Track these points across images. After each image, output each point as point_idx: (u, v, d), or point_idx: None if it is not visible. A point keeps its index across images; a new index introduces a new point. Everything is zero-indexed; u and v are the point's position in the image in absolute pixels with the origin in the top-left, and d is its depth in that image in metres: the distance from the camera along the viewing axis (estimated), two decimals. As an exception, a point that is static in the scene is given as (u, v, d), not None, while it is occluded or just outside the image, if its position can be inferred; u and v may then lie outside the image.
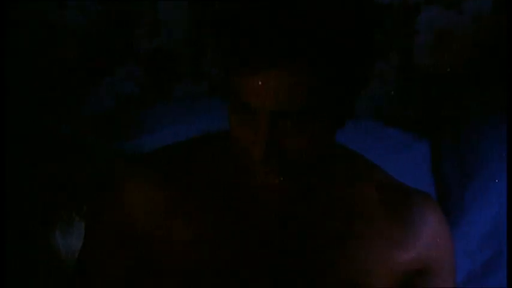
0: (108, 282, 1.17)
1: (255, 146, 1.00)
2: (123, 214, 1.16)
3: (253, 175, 1.08)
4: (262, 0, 0.95)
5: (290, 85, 0.95)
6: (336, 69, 0.96)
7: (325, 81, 0.96)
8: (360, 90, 1.01)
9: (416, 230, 1.11)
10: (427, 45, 1.86)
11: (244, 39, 0.95)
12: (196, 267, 1.12)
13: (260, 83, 0.96)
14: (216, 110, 1.54)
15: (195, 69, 1.81)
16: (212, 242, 1.13)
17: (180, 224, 1.13)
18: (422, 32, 1.86)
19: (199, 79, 1.81)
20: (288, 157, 1.01)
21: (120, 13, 1.81)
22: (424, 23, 1.86)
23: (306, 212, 1.12)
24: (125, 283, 1.18)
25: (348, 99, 1.01)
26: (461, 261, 1.44)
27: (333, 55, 0.95)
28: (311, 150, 1.02)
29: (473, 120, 1.63)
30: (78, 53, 1.81)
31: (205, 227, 1.13)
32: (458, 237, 1.45)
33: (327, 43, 0.94)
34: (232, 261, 1.12)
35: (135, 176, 1.16)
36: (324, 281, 1.09)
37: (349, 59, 0.96)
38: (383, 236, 1.09)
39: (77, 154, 1.72)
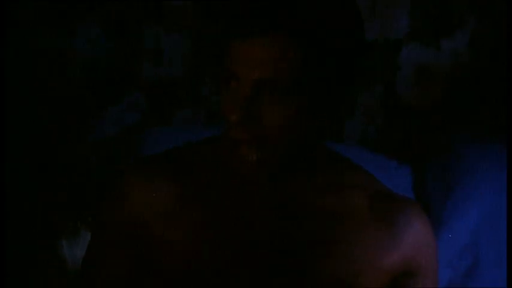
0: (110, 281, 1.17)
1: (233, 110, 1.01)
2: (125, 214, 1.16)
3: (245, 172, 1.07)
4: None
5: (272, 54, 0.97)
6: (316, 46, 0.98)
7: (306, 56, 0.98)
8: (343, 86, 1.02)
9: (402, 234, 1.13)
10: (408, 79, 1.93)
11: (235, 10, 0.99)
12: (196, 267, 1.13)
13: (246, 51, 0.98)
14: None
15: (195, 97, 1.86)
16: (211, 242, 1.13)
17: (181, 224, 1.14)
18: (404, 66, 1.93)
19: (198, 107, 1.86)
20: (266, 130, 1.02)
21: (125, 45, 1.87)
22: (405, 58, 1.93)
23: (299, 214, 1.13)
24: (127, 283, 1.17)
25: (328, 88, 1.02)
26: (442, 271, 1.51)
27: (314, 31, 0.97)
28: (290, 130, 1.02)
29: (453, 142, 1.71)
30: (86, 82, 1.86)
31: (204, 228, 1.13)
32: (439, 247, 1.54)
33: (309, 19, 0.97)
34: (230, 261, 1.13)
35: (136, 177, 1.16)
36: (316, 280, 1.11)
37: (330, 38, 0.98)
38: (371, 239, 1.12)
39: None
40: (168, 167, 1.17)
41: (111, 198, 1.18)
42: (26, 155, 1.81)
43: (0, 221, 1.39)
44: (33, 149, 1.82)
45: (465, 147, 1.70)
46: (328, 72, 1.00)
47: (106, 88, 1.87)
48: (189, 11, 1.83)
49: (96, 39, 1.85)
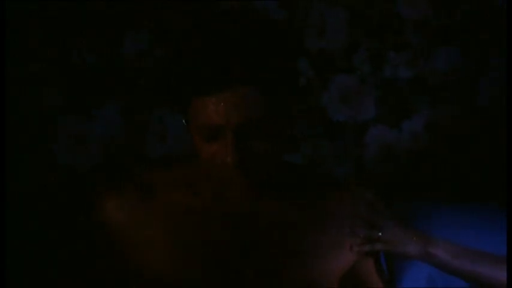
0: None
1: (227, 155, 1.09)
2: (108, 227, 1.23)
3: (225, 188, 1.15)
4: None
5: (239, 102, 1.08)
6: (268, 95, 1.11)
7: (261, 101, 1.10)
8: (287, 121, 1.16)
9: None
10: (374, 155, 2.04)
11: (209, 71, 1.08)
12: (176, 278, 1.20)
13: (221, 103, 1.08)
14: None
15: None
16: (188, 253, 1.20)
17: (159, 237, 1.21)
18: (371, 144, 2.05)
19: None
20: (252, 158, 1.11)
21: (136, 124, 2.01)
22: (372, 137, 2.04)
23: (272, 226, 1.23)
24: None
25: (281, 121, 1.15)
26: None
27: (265, 86, 1.10)
28: (267, 157, 1.13)
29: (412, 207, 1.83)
30: (103, 157, 1.99)
31: (181, 239, 1.20)
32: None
33: (261, 78, 1.10)
34: (209, 271, 1.20)
35: (116, 197, 1.23)
36: (293, 282, 1.22)
37: (273, 91, 1.12)
38: (334, 240, 1.26)
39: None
40: (146, 186, 1.24)
41: (95, 215, 1.25)
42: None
43: (1, 221, 1.39)
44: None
45: (421, 211, 1.83)
46: (278, 108, 1.14)
47: (120, 160, 1.99)
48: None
49: (113, 121, 1.99)
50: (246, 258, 1.23)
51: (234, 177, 1.14)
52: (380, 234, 1.31)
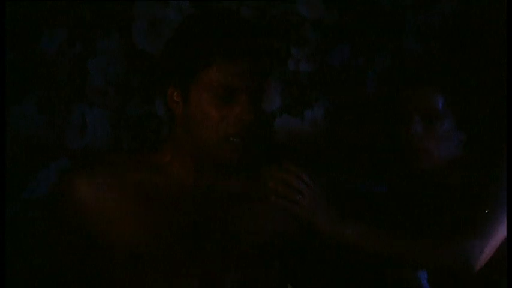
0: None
1: (245, 112, 1.22)
2: (71, 210, 1.27)
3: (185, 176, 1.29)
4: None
5: (256, 69, 1.26)
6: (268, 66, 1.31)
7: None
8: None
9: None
10: (283, 142, 2.15)
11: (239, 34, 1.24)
12: (141, 253, 1.27)
13: (241, 68, 1.22)
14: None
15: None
16: (153, 230, 1.28)
17: (125, 218, 1.28)
18: (279, 132, 2.17)
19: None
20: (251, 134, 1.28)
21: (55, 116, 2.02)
22: (279, 126, 2.15)
23: (225, 202, 1.35)
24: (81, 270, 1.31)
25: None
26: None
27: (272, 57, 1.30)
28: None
29: None
30: (24, 149, 1.99)
31: (144, 219, 1.28)
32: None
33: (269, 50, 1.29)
34: (171, 244, 1.28)
35: (79, 178, 1.28)
36: (243, 246, 1.34)
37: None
38: (273, 212, 1.39)
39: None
40: (107, 168, 1.31)
41: (58, 198, 1.30)
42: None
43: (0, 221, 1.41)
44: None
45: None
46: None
47: (38, 155, 2.00)
48: (108, 90, 2.04)
49: (30, 115, 2.00)
50: (207, 227, 1.34)
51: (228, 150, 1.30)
52: (300, 197, 1.39)
